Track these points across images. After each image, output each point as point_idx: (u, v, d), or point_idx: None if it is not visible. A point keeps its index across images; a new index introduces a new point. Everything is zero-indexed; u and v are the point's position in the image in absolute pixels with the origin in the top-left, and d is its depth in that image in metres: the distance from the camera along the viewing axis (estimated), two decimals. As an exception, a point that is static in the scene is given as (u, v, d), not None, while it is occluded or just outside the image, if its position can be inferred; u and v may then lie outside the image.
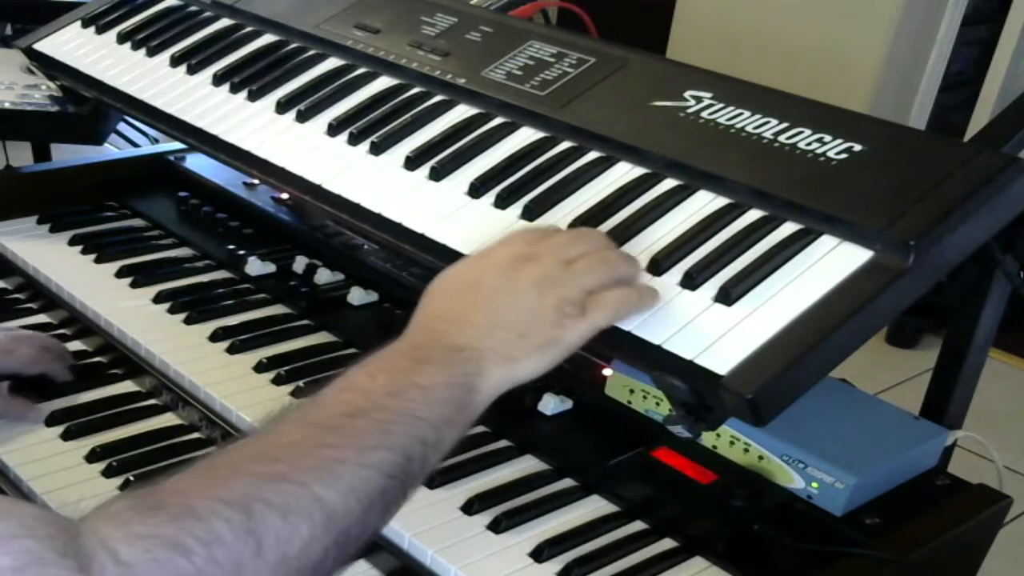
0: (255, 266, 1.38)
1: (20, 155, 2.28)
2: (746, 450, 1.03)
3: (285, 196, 1.52)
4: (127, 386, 1.24)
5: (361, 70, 1.33)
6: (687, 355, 0.87)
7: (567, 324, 0.80)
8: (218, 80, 1.38)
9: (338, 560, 0.69)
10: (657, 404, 1.09)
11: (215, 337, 1.24)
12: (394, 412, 0.72)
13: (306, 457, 0.68)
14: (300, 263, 1.39)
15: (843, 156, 0.98)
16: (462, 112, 1.22)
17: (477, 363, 0.77)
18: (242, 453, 0.69)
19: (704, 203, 1.01)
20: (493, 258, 0.85)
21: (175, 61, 1.44)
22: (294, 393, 1.15)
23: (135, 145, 2.82)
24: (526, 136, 1.16)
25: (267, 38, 1.44)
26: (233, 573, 0.63)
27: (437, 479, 1.02)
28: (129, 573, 0.61)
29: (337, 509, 0.67)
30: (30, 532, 0.61)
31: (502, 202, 1.08)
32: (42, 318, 1.36)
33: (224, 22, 1.49)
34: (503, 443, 1.10)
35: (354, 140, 1.22)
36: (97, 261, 1.41)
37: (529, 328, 0.79)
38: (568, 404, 1.14)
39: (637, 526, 1.00)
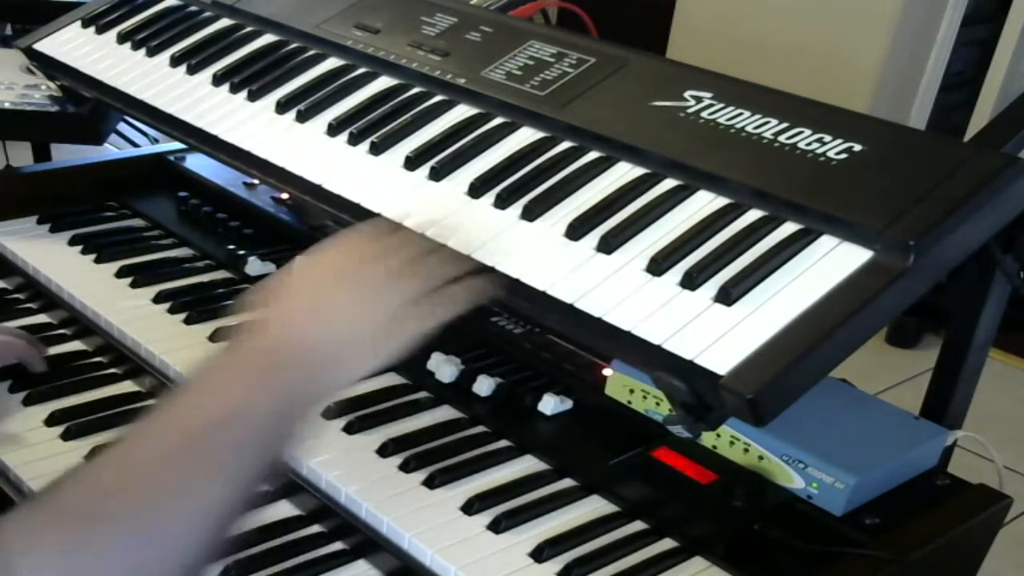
0: (255, 266, 1.38)
1: (20, 155, 2.28)
2: (746, 450, 1.03)
3: (285, 196, 1.52)
4: (127, 386, 1.24)
5: (361, 70, 1.33)
6: (687, 355, 0.87)
7: (407, 324, 0.84)
8: (218, 80, 1.38)
9: (213, 550, 0.74)
10: (657, 404, 1.10)
11: (215, 337, 1.24)
12: (224, 442, 0.75)
13: (140, 491, 0.72)
14: (300, 263, 1.39)
15: (843, 156, 0.98)
16: (462, 112, 1.22)
17: (318, 361, 0.79)
18: (84, 493, 0.72)
19: (704, 203, 1.01)
20: (335, 260, 0.87)
21: (175, 61, 1.44)
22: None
23: (135, 145, 2.82)
24: (526, 136, 1.16)
25: (267, 38, 1.44)
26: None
27: (437, 479, 1.02)
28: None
29: (174, 535, 0.71)
30: None
31: (502, 202, 1.08)
32: (42, 318, 1.36)
33: (224, 22, 1.49)
34: (503, 443, 1.10)
35: (354, 140, 1.22)
36: (97, 261, 1.41)
37: (370, 328, 0.82)
38: (568, 404, 1.14)
39: (637, 526, 1.00)
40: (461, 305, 0.87)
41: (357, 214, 1.14)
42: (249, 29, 1.46)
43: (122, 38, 1.52)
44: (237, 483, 0.74)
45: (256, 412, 0.76)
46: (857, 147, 0.98)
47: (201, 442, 0.74)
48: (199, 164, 1.61)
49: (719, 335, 0.87)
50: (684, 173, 1.04)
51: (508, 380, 1.18)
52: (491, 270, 0.92)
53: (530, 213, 1.05)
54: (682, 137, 1.06)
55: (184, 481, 0.72)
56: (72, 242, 1.45)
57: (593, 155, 1.10)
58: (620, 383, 1.13)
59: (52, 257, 1.41)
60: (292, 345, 0.80)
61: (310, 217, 1.48)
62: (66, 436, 1.13)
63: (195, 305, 1.30)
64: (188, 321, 1.27)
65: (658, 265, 0.95)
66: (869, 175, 0.95)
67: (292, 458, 0.81)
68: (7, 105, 1.51)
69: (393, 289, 0.84)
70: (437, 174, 1.13)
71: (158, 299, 1.32)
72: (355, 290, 0.83)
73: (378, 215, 1.12)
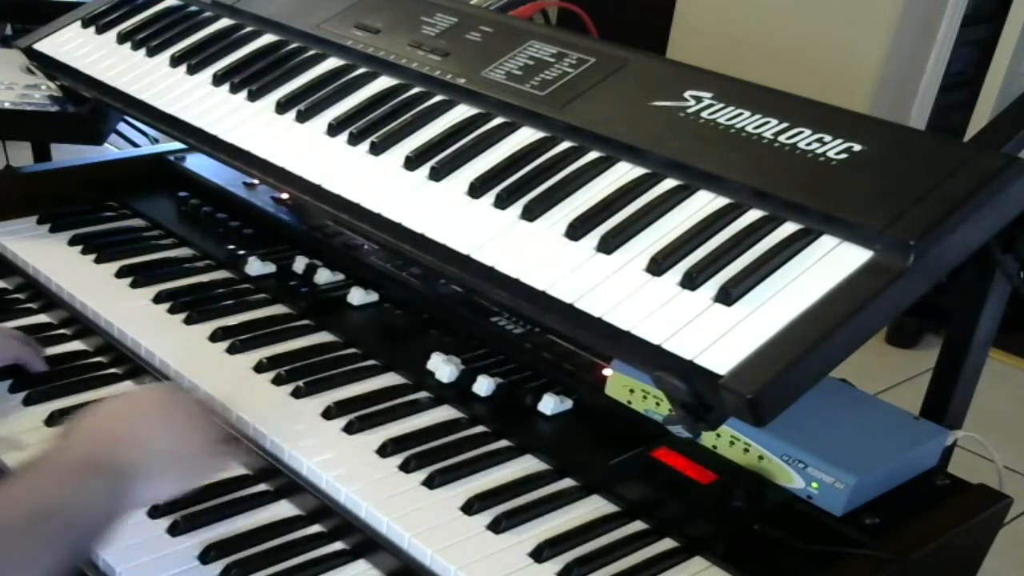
0: (255, 266, 1.38)
1: (20, 155, 2.28)
2: (746, 450, 1.03)
3: (285, 196, 1.52)
4: (127, 386, 1.23)
5: (361, 70, 1.33)
6: (687, 355, 0.87)
7: (207, 461, 0.98)
8: (218, 80, 1.38)
9: None
10: (657, 404, 1.09)
11: (215, 337, 1.24)
12: (65, 501, 0.86)
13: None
14: (300, 263, 1.39)
15: (843, 156, 0.98)
16: (462, 112, 1.22)
17: (131, 479, 0.91)
18: None
19: (704, 203, 1.01)
20: (152, 396, 1.03)
21: (175, 61, 1.44)
22: (294, 393, 1.15)
23: (135, 145, 2.82)
24: (526, 136, 1.16)
25: (267, 38, 1.44)
26: None
27: (437, 479, 1.02)
28: None
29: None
30: None
31: (502, 202, 1.08)
32: (42, 318, 1.36)
33: (224, 22, 1.49)
34: (503, 443, 1.10)
35: (354, 140, 1.22)
36: (97, 261, 1.41)
37: (178, 455, 0.95)
38: (568, 404, 1.14)
39: (637, 526, 1.00)
40: (230, 464, 1.02)
41: (357, 214, 1.14)
42: (249, 29, 1.46)
43: (122, 38, 1.52)
44: (42, 567, 0.83)
45: (68, 509, 0.86)
46: (857, 147, 0.98)
47: (25, 526, 0.84)
48: (199, 164, 1.61)
49: (719, 335, 0.87)
50: (684, 173, 1.04)
51: (508, 380, 1.18)
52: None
53: (530, 213, 1.05)
54: (682, 137, 1.06)
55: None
56: (72, 242, 1.45)
57: (593, 155, 1.10)
58: (620, 383, 1.13)
59: (52, 257, 1.41)
60: (106, 459, 0.91)
61: (310, 217, 1.49)
62: (66, 436, 1.13)
63: (195, 305, 1.30)
64: (188, 321, 1.27)
65: (658, 265, 0.95)
66: (869, 175, 0.95)
67: (93, 552, 0.92)
68: (7, 105, 1.51)
69: (198, 430, 0.98)
70: (437, 174, 1.13)
71: (158, 299, 1.32)
72: (170, 428, 0.97)
73: (378, 215, 1.12)
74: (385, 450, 1.06)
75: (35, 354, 1.22)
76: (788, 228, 0.95)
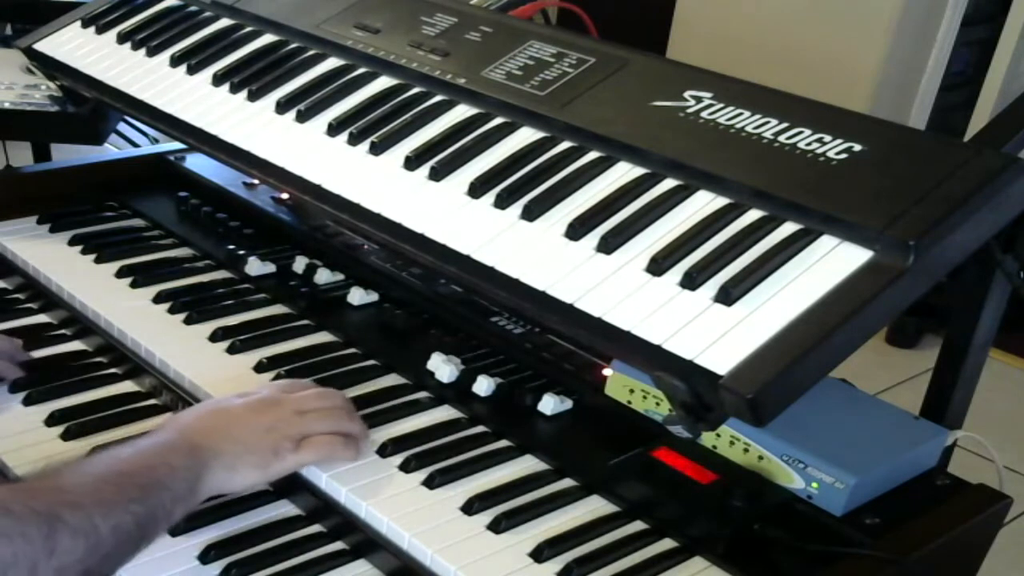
0: (255, 266, 1.38)
1: (20, 155, 2.29)
2: (746, 450, 1.03)
3: (285, 196, 1.52)
4: (127, 386, 1.23)
5: (361, 70, 1.33)
6: (687, 355, 0.87)
7: (281, 454, 1.01)
8: (218, 80, 1.38)
9: None
10: (657, 404, 1.09)
11: (215, 337, 1.24)
12: (151, 479, 0.93)
13: (91, 495, 0.88)
14: (300, 263, 1.39)
15: (843, 156, 0.98)
16: (462, 112, 1.22)
17: (209, 461, 0.97)
18: (46, 483, 0.90)
19: (704, 203, 1.01)
20: (245, 398, 1.06)
21: (175, 61, 1.44)
22: (294, 393, 1.15)
23: (135, 145, 2.82)
24: (526, 136, 1.16)
25: (267, 38, 1.44)
26: (30, 568, 0.81)
27: (437, 479, 1.02)
28: None
29: (103, 538, 0.86)
30: None
31: (502, 202, 1.08)
32: (42, 318, 1.36)
33: (224, 22, 1.49)
34: (503, 443, 1.10)
35: (354, 140, 1.22)
36: (97, 261, 1.40)
37: (253, 449, 1.00)
38: (568, 404, 1.14)
39: (637, 526, 1.00)
40: (324, 453, 1.03)
41: (357, 214, 1.14)
42: (249, 29, 1.46)
43: (122, 38, 1.52)
44: (124, 527, 0.88)
45: (149, 472, 0.93)
46: (857, 147, 0.98)
47: (114, 481, 0.91)
48: (199, 164, 1.61)
49: (719, 335, 0.88)
50: (684, 173, 1.04)
51: (508, 380, 1.18)
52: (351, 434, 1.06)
53: (530, 213, 1.05)
54: (682, 137, 1.06)
55: (91, 504, 0.87)
56: (72, 242, 1.45)
57: (593, 155, 1.10)
58: (620, 383, 1.13)
59: (52, 257, 1.41)
60: (186, 440, 0.98)
61: (310, 217, 1.49)
62: (66, 436, 1.13)
63: (195, 305, 1.30)
64: (188, 321, 1.27)
65: (658, 265, 0.95)
66: (869, 175, 0.95)
67: (159, 534, 0.95)
68: (7, 105, 1.51)
69: (275, 427, 1.02)
70: (437, 174, 1.13)
71: (158, 299, 1.32)
72: (246, 422, 1.02)
73: (378, 215, 1.12)
74: (385, 450, 1.06)
75: (11, 365, 1.21)
76: (788, 228, 0.95)
